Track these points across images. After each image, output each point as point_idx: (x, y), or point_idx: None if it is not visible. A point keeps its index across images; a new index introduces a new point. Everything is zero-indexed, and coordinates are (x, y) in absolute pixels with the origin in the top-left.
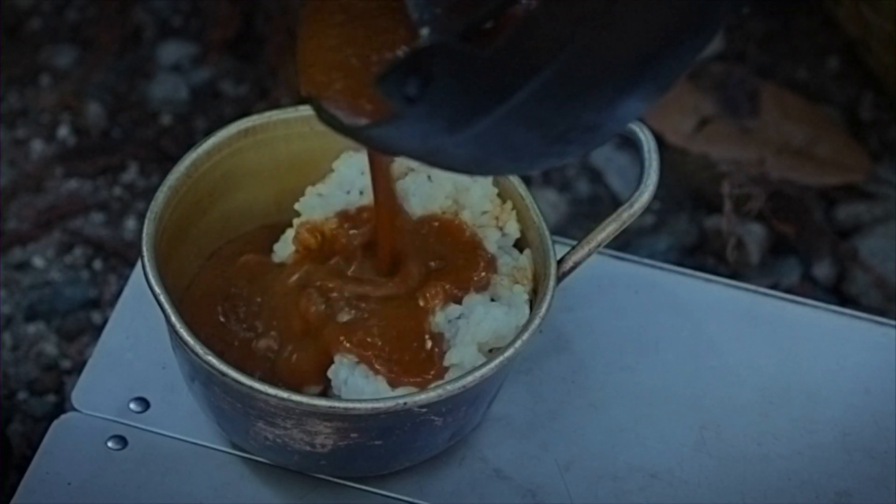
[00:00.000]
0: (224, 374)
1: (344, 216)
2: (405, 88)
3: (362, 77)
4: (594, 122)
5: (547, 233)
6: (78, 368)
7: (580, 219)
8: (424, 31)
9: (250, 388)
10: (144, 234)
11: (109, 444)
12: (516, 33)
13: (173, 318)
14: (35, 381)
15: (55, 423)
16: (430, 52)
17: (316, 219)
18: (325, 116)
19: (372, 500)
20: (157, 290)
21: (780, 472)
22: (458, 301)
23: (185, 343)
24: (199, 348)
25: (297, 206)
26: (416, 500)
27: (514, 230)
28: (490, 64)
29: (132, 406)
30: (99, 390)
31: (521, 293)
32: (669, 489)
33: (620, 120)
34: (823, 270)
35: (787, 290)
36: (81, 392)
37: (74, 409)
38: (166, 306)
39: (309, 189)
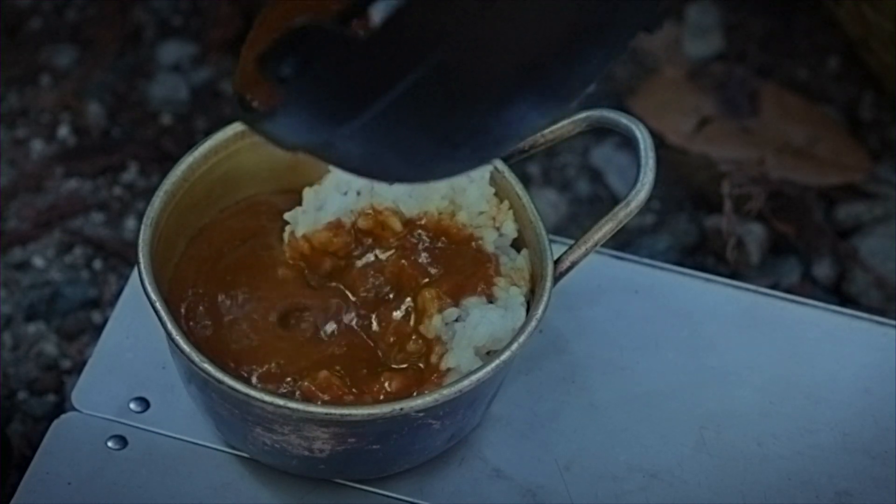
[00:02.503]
0: (220, 382)
1: (337, 227)
2: (280, 69)
3: None
4: (481, 125)
5: (544, 233)
6: (78, 368)
7: (580, 219)
8: None
9: (246, 395)
10: (140, 241)
11: (109, 444)
12: (391, 21)
13: (169, 326)
14: (35, 381)
15: (55, 423)
16: (305, 33)
17: (305, 231)
18: (236, 109)
19: (372, 500)
20: (154, 296)
21: (780, 472)
22: (456, 304)
23: (181, 350)
24: (195, 356)
25: (286, 216)
26: (416, 500)
27: (510, 230)
28: (367, 50)
29: (132, 406)
30: (99, 390)
31: (518, 295)
32: (669, 489)
33: (512, 126)
34: (823, 270)
35: (787, 290)
36: (81, 392)
37: (74, 409)
38: (162, 313)
39: (307, 191)
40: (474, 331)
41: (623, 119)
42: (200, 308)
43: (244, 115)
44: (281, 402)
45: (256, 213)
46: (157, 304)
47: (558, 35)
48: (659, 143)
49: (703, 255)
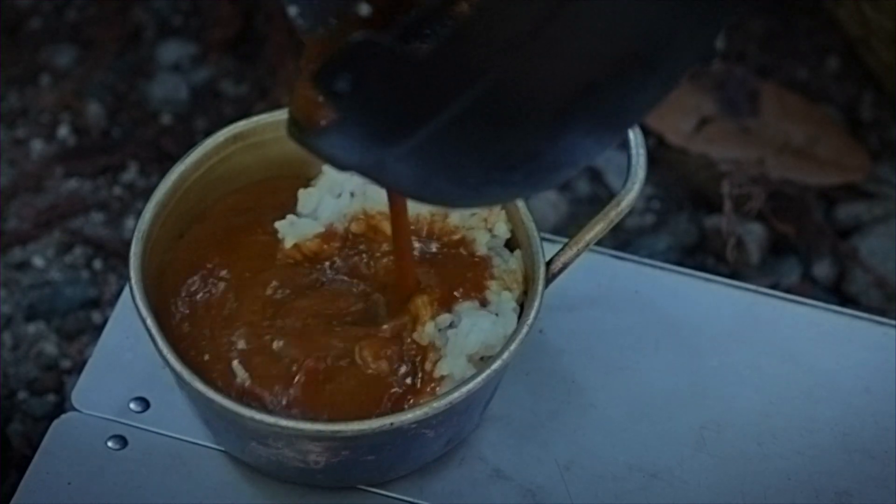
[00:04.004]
0: (211, 401)
1: (328, 235)
2: (336, 84)
3: None
4: (533, 149)
5: (536, 234)
6: (78, 368)
7: (580, 218)
8: (292, 10)
9: (237, 413)
10: (132, 255)
11: (109, 444)
12: (447, 43)
13: (160, 343)
14: (35, 381)
15: (55, 423)
16: (362, 49)
17: (296, 241)
18: (288, 127)
19: (372, 500)
20: (144, 313)
21: (780, 472)
22: (448, 309)
23: (172, 368)
24: (185, 374)
25: (277, 225)
26: (416, 500)
27: (503, 231)
28: (422, 69)
29: (132, 406)
30: (99, 390)
31: (509, 300)
32: (669, 489)
33: (566, 152)
34: (823, 270)
35: (787, 290)
36: (81, 392)
37: (74, 409)
38: (153, 331)
39: (301, 192)
40: (466, 339)
41: None
42: (191, 306)
43: (297, 133)
44: (271, 419)
45: (266, 191)
46: (148, 322)
47: (614, 60)
48: (659, 143)
49: (703, 255)
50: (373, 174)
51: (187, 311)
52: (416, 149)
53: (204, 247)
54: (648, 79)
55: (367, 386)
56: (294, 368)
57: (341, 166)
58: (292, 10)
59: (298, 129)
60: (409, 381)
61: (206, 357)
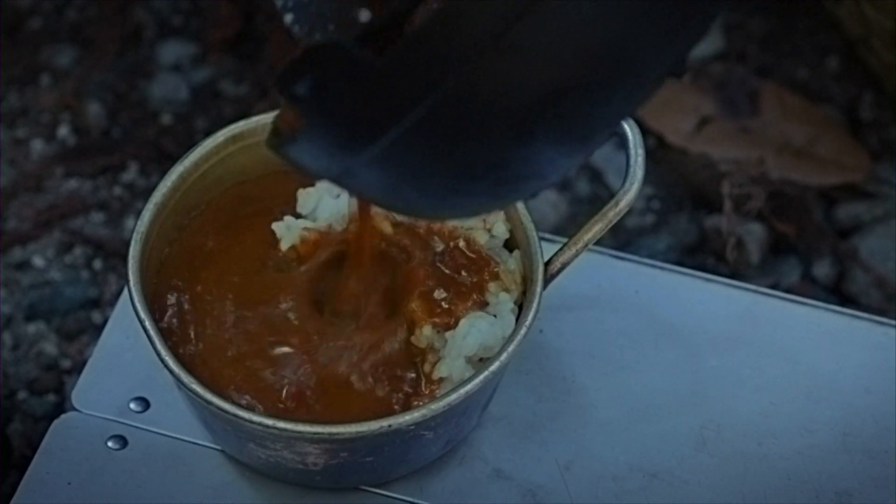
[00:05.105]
0: (209, 402)
1: (326, 237)
2: (296, 87)
3: None
4: (498, 158)
5: (535, 235)
6: (78, 368)
7: (580, 218)
8: (288, 18)
9: (235, 415)
10: (130, 258)
11: (109, 444)
12: (408, 47)
13: (158, 346)
14: (35, 381)
15: (55, 423)
16: (322, 52)
17: (292, 243)
18: (268, 136)
19: (372, 500)
20: (143, 315)
21: (780, 472)
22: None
23: (171, 371)
24: (184, 377)
25: (274, 226)
26: (416, 500)
27: (501, 232)
28: (381, 73)
29: (132, 406)
30: (99, 390)
31: (507, 301)
32: (669, 489)
33: (531, 163)
34: (823, 270)
35: (787, 290)
36: (81, 392)
37: (74, 409)
38: (152, 333)
39: (300, 192)
40: (464, 341)
41: None
42: (186, 306)
43: (274, 141)
44: (269, 422)
45: (272, 182)
46: (147, 324)
47: (577, 69)
48: (659, 143)
49: (703, 255)
50: (343, 182)
51: (176, 308)
52: (380, 156)
53: (204, 235)
54: (615, 90)
55: (369, 411)
56: (283, 393)
57: (310, 174)
58: (288, 18)
59: (276, 137)
60: (407, 385)
61: (196, 356)
